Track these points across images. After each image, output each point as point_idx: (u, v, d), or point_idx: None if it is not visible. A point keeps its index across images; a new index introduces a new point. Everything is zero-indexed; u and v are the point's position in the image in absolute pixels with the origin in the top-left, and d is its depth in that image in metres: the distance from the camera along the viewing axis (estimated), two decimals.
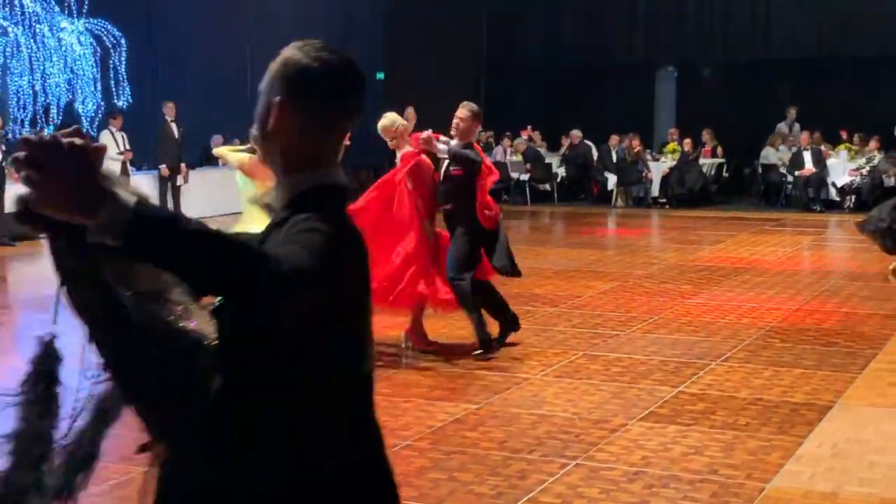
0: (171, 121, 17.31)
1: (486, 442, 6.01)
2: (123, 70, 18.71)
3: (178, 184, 17.34)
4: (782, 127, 20.04)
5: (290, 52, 2.26)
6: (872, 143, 18.62)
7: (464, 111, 8.05)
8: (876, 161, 18.29)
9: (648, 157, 20.08)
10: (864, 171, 18.25)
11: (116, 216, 1.74)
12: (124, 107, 18.50)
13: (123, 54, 18.69)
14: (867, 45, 20.38)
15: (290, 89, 2.17)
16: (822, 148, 19.05)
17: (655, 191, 19.79)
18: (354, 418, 2.13)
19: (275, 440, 2.02)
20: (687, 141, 19.78)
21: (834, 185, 18.70)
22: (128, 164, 17.06)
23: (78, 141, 1.76)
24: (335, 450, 2.07)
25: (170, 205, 17.50)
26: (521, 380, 7.36)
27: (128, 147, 17.01)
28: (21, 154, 1.73)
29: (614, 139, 20.24)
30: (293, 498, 2.05)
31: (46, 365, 2.20)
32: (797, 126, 20.08)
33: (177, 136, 17.30)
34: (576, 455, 5.76)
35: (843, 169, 18.71)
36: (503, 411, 6.62)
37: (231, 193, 19.27)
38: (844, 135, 19.80)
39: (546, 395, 6.98)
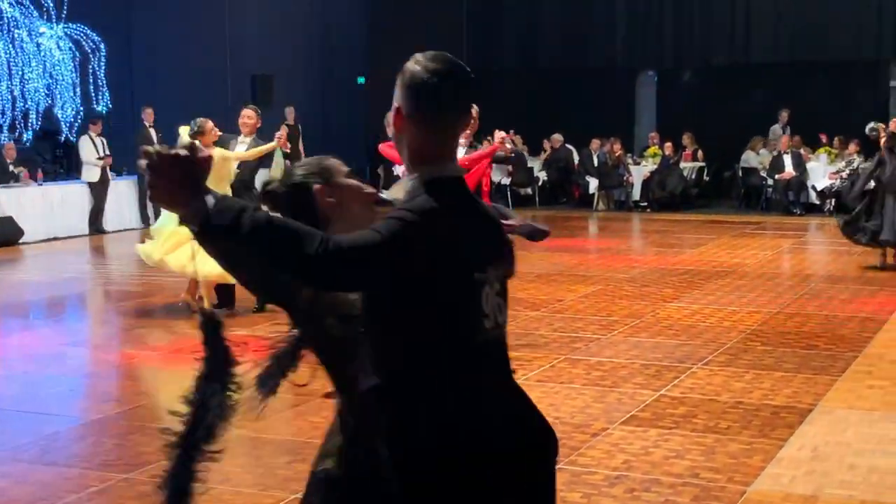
0: (150, 126, 17.27)
1: None
2: (103, 75, 18.62)
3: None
4: (776, 129, 20.08)
5: (409, 62, 2.55)
6: (852, 147, 18.70)
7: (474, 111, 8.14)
8: (855, 164, 18.37)
9: (629, 160, 20.14)
10: (844, 175, 18.32)
11: (199, 209, 2.24)
12: (104, 112, 18.42)
13: (103, 59, 18.60)
14: (844, 48, 20.48)
15: (405, 97, 2.53)
16: (802, 151, 19.14)
17: (637, 194, 19.85)
18: (469, 384, 2.46)
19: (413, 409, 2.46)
20: (668, 145, 19.84)
21: (814, 188, 18.78)
22: (108, 170, 16.99)
23: (183, 153, 2.24)
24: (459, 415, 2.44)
25: (150, 209, 17.46)
26: None
27: (108, 152, 16.95)
28: (143, 162, 2.25)
29: (595, 143, 20.28)
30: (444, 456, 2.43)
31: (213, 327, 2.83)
32: (789, 129, 20.12)
33: (156, 142, 17.23)
34: (557, 460, 5.74)
35: (822, 172, 18.80)
36: None
37: None
38: (824, 138, 19.90)
39: None
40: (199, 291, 9.84)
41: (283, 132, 10.09)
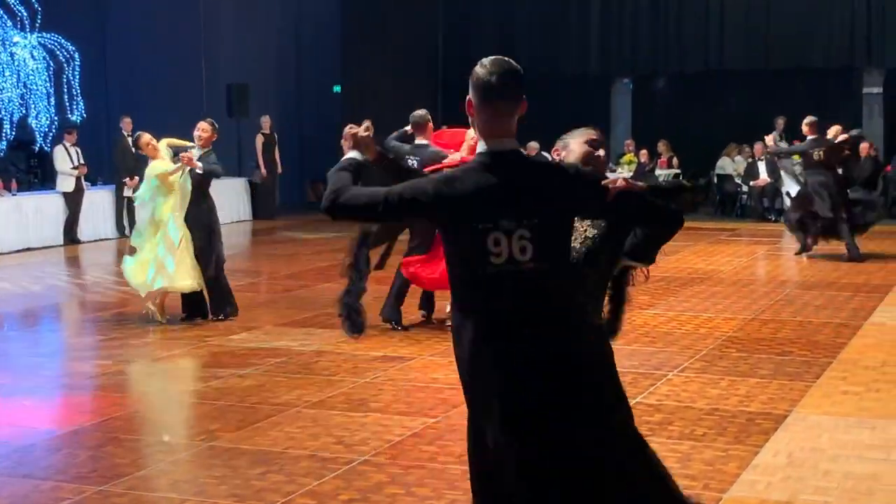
0: (128, 135, 17.20)
1: (444, 456, 5.99)
2: (77, 84, 18.56)
3: (126, 194, 17.26)
4: (775, 136, 20.12)
5: (476, 66, 3.44)
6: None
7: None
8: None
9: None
10: None
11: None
12: (78, 121, 18.35)
13: (77, 69, 18.54)
14: (818, 56, 20.62)
15: (471, 90, 3.44)
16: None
17: None
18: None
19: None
20: (643, 152, 19.89)
21: (788, 194, 18.87)
22: (82, 180, 16.91)
23: (351, 130, 3.70)
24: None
25: (125, 220, 17.39)
26: None
27: (82, 161, 16.88)
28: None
29: None
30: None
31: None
32: (785, 136, 20.16)
33: (134, 151, 17.17)
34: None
35: (797, 179, 18.88)
36: (461, 425, 6.56)
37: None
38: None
39: None
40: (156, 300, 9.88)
41: (190, 153, 9.70)
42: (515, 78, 3.41)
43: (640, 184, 3.81)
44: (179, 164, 9.72)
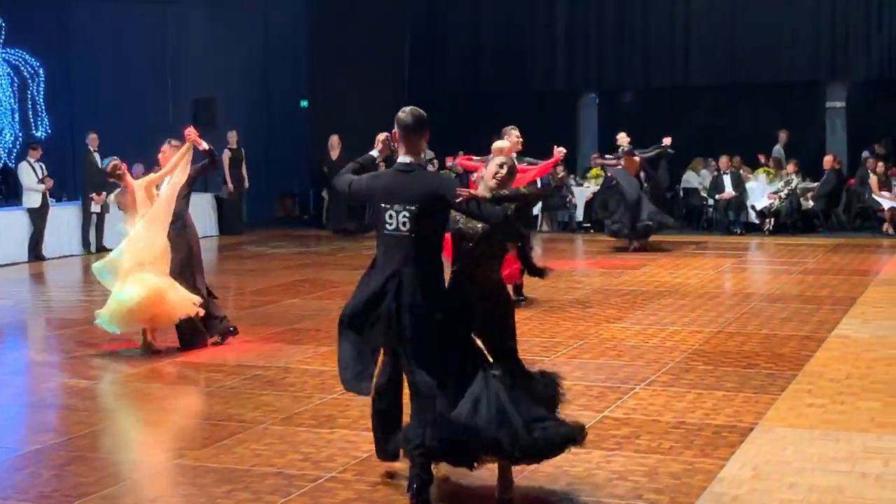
0: (95, 151, 17.11)
1: None
2: (42, 100, 18.44)
3: (93, 210, 17.13)
4: (778, 149, 20.27)
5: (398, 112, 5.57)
6: (790, 167, 19.00)
7: None
8: (794, 184, 18.67)
9: (572, 182, 20.26)
10: (783, 195, 18.61)
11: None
12: (42, 137, 18.22)
13: (41, 84, 18.42)
14: (782, 70, 20.81)
15: (396, 126, 5.52)
16: (742, 172, 19.39)
17: (580, 216, 19.97)
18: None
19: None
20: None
21: (753, 208, 19.03)
22: (47, 196, 16.78)
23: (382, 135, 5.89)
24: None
25: (92, 236, 17.27)
26: None
27: (46, 174, 16.73)
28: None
29: None
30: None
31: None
32: (782, 150, 20.32)
33: (100, 166, 17.05)
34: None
35: (762, 192, 19.06)
36: None
37: None
38: (763, 159, 20.18)
39: None
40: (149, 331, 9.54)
41: (192, 133, 9.47)
42: (422, 121, 5.52)
43: (480, 194, 5.43)
44: (186, 146, 9.32)
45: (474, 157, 11.85)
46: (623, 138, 16.71)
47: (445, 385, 5.30)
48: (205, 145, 9.48)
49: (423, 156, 5.57)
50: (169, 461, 6.30)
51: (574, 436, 5.45)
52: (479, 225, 5.48)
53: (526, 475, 5.87)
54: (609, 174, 17.07)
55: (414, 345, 5.33)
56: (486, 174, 5.70)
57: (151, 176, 9.71)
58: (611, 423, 6.90)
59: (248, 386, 8.11)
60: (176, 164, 9.40)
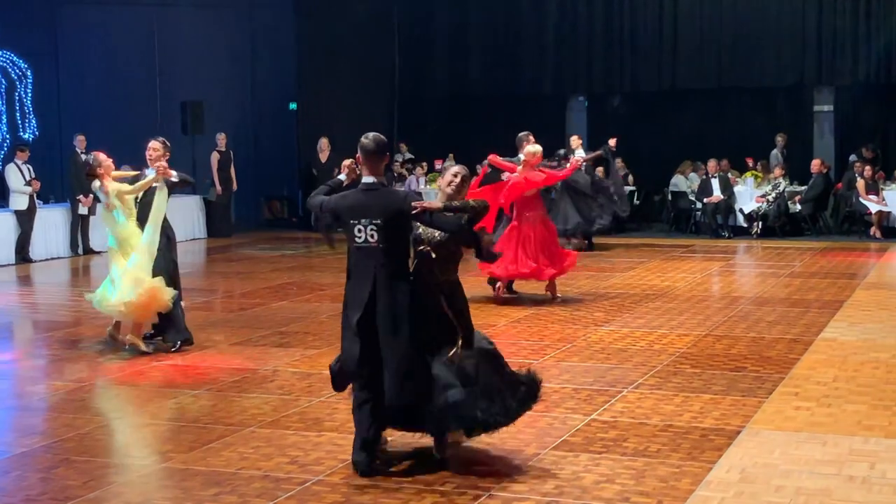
0: (82, 153, 17.04)
1: (398, 475, 5.98)
2: (29, 102, 18.40)
3: (80, 212, 17.08)
4: (776, 154, 20.31)
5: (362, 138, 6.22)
6: (777, 171, 19.05)
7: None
8: (781, 188, 18.73)
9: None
10: (770, 198, 18.66)
11: None
12: (30, 139, 18.17)
13: (29, 86, 18.38)
14: (769, 75, 20.87)
15: (359, 150, 6.18)
16: (730, 175, 19.43)
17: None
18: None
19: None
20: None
21: (741, 211, 19.07)
22: (35, 198, 16.72)
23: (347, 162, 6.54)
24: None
25: (79, 238, 17.23)
26: None
27: (34, 176, 16.68)
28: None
29: None
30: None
31: None
32: (786, 152, 20.36)
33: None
34: (489, 486, 5.76)
35: (749, 196, 19.10)
36: (417, 443, 6.59)
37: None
38: (750, 162, 20.23)
39: None
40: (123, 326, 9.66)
41: (163, 163, 9.51)
42: (382, 145, 6.20)
43: (434, 205, 6.10)
44: (153, 177, 9.42)
45: (499, 158, 12.31)
46: (575, 141, 16.84)
47: (411, 373, 5.97)
48: (174, 177, 9.51)
49: (401, 156, 6.16)
50: (156, 464, 6.28)
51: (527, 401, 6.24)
52: (436, 232, 6.17)
53: (513, 477, 5.88)
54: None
55: (389, 339, 5.97)
56: (442, 183, 6.37)
57: (124, 187, 9.62)
58: (598, 426, 6.91)
59: (235, 389, 8.10)
60: (142, 188, 9.53)
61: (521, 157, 12.08)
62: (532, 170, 11.84)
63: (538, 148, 11.98)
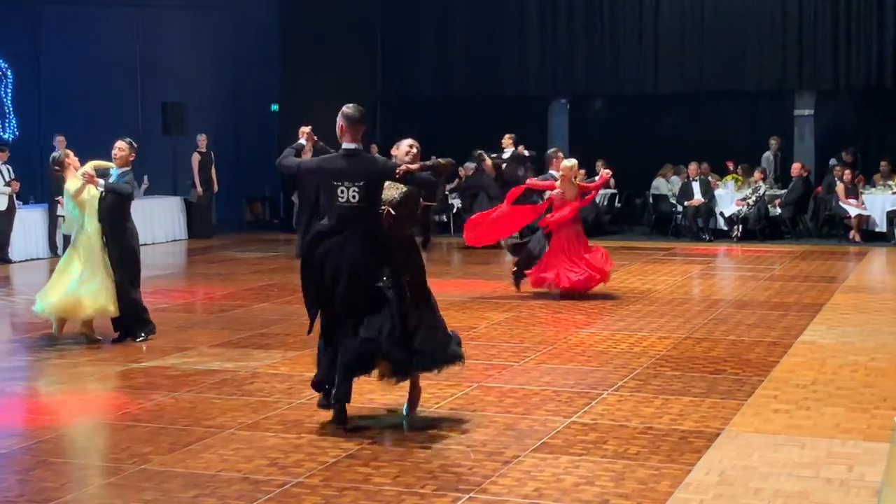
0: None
1: (378, 477, 5.98)
2: (9, 102, 18.30)
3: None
4: (768, 156, 20.37)
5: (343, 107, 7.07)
6: (757, 174, 19.13)
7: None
8: (762, 191, 18.80)
9: None
10: (751, 202, 18.74)
11: None
12: (10, 139, 18.08)
13: (10, 86, 18.29)
14: (750, 79, 20.95)
15: (342, 119, 7.00)
16: (710, 178, 19.51)
17: None
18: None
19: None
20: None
21: (722, 214, 19.15)
22: (14, 198, 16.64)
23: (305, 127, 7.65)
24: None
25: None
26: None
27: (14, 177, 16.60)
28: None
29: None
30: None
31: None
32: (780, 155, 20.41)
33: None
34: (469, 488, 5.77)
35: (730, 199, 19.18)
36: (397, 445, 6.59)
37: None
38: (731, 165, 20.31)
39: (440, 428, 6.97)
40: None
41: (91, 172, 9.93)
42: (363, 114, 7.01)
43: (415, 165, 6.92)
44: (83, 182, 9.86)
45: (535, 178, 13.28)
46: (507, 140, 16.80)
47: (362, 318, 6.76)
48: (100, 187, 9.84)
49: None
50: (134, 466, 6.26)
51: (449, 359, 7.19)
52: (395, 194, 7.01)
53: (493, 479, 5.89)
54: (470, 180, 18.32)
55: (355, 289, 6.77)
56: (400, 153, 7.18)
57: (73, 186, 9.94)
58: (578, 429, 6.92)
59: (215, 391, 8.07)
60: (81, 191, 9.93)
61: (553, 173, 12.75)
62: (570, 182, 12.44)
63: (574, 161, 12.56)
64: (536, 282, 12.45)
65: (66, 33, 19.71)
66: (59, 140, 17.11)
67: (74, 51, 19.68)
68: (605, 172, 13.06)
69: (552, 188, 12.49)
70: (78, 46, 19.73)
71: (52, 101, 19.30)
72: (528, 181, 13.03)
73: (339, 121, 6.94)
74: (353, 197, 6.69)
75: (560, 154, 13.09)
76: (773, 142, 20.56)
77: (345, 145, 6.89)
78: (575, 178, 12.53)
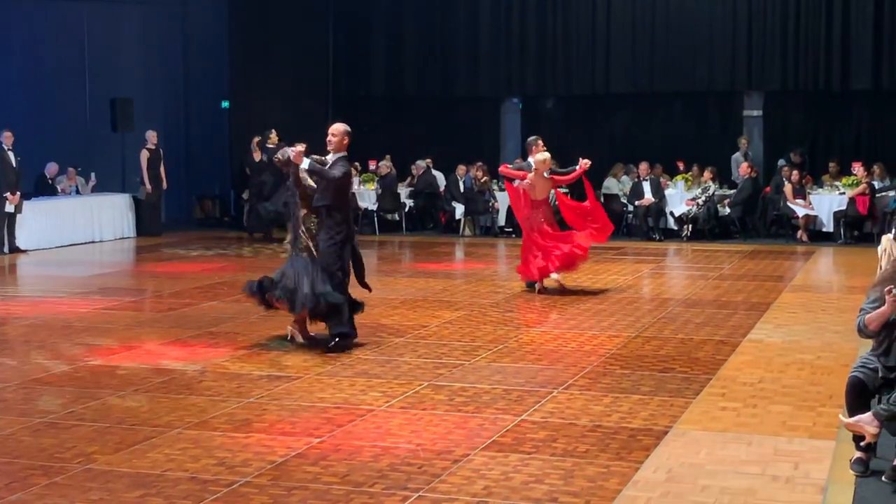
0: (9, 149, 16.77)
1: (327, 476, 5.95)
2: None
3: (7, 210, 16.76)
4: (738, 157, 20.45)
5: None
6: (707, 174, 19.28)
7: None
8: (711, 191, 18.96)
9: (495, 186, 20.32)
10: (700, 201, 18.89)
11: None
12: None
13: None
14: (700, 79, 21.10)
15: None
16: (661, 179, 19.63)
17: (502, 220, 20.04)
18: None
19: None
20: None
21: (672, 214, 19.28)
22: None
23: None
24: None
25: (5, 235, 16.89)
26: (364, 411, 7.32)
27: None
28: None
29: (461, 169, 20.41)
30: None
31: None
32: (750, 155, 20.49)
33: (14, 165, 16.78)
34: (418, 487, 5.75)
35: (680, 199, 19.31)
36: (346, 444, 6.57)
37: (66, 224, 18.71)
38: (681, 166, 20.45)
39: (390, 426, 6.96)
40: None
41: None
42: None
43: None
44: None
45: (509, 166, 13.49)
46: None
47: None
48: None
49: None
50: (80, 466, 6.18)
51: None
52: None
53: (442, 478, 5.88)
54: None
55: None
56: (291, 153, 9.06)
57: None
58: (528, 427, 6.93)
59: (163, 389, 7.99)
60: None
61: (532, 162, 12.74)
62: (542, 176, 12.58)
63: (547, 155, 12.68)
64: (527, 277, 12.82)
65: (12, 28, 19.43)
66: (6, 136, 16.90)
67: (21, 45, 19.41)
68: (584, 162, 13.00)
69: (524, 178, 12.64)
70: (23, 40, 19.46)
71: None
72: (501, 167, 13.24)
73: (346, 137, 9.16)
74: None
75: (540, 142, 13.03)
76: (742, 141, 20.71)
77: (343, 153, 9.07)
78: (545, 173, 12.64)
